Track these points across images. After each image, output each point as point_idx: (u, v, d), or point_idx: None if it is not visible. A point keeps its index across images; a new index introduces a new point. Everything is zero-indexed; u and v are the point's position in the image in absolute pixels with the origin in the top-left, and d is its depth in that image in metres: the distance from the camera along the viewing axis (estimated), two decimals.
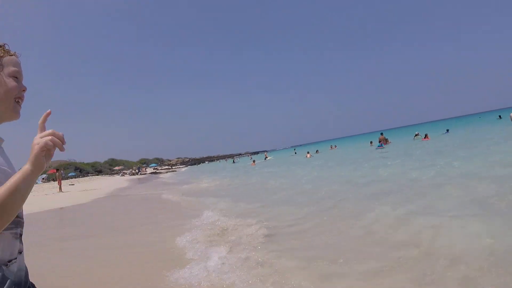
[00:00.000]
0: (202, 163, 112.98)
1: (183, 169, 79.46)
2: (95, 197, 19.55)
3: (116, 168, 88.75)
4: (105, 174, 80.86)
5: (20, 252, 1.36)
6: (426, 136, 30.01)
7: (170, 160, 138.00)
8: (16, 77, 1.46)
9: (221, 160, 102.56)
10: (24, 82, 1.49)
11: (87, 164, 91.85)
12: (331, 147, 48.03)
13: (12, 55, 1.47)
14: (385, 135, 32.19)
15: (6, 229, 1.26)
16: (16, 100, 1.46)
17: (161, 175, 53.73)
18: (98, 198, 18.90)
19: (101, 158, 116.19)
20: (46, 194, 24.75)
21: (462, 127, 42.42)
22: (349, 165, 19.27)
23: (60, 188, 27.19)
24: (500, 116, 42.95)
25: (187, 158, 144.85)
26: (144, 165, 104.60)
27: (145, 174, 66.62)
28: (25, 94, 1.50)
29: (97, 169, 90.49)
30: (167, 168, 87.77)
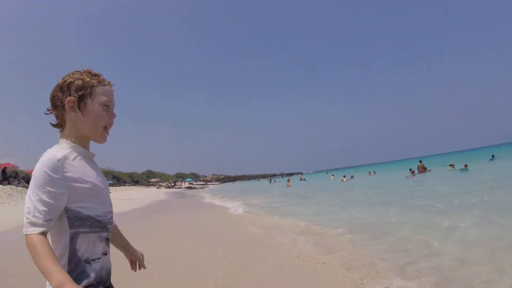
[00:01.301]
0: (236, 181, 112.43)
1: (218, 186, 79.06)
2: (133, 207, 18.80)
3: (153, 180, 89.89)
4: (141, 185, 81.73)
5: (105, 253, 1.56)
6: (465, 166, 26.51)
7: (206, 176, 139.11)
8: (107, 105, 1.61)
9: (261, 180, 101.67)
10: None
11: (125, 173, 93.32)
12: (369, 173, 46.16)
13: (105, 85, 1.62)
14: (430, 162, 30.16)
15: (92, 232, 1.49)
16: (104, 127, 1.62)
17: (196, 190, 53.48)
18: (137, 208, 18.22)
19: (139, 169, 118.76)
20: None
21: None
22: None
23: None
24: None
25: (222, 175, 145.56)
26: (180, 179, 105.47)
27: (180, 188, 66.96)
28: None
29: (134, 179, 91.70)
30: (202, 184, 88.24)
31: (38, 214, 1.33)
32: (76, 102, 1.53)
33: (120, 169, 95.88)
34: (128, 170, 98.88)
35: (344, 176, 37.50)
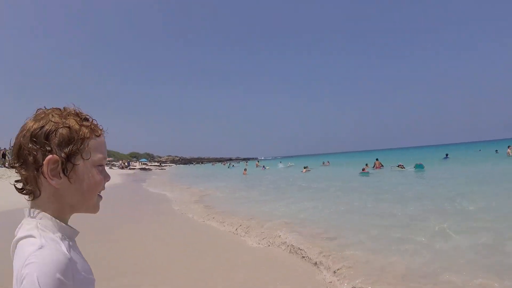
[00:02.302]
0: (191, 163, 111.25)
1: (172, 168, 77.86)
2: None
3: None
4: None
5: None
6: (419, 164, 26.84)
7: (161, 157, 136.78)
8: (102, 165, 1.11)
9: (216, 164, 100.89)
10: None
11: None
12: (323, 163, 46.19)
13: (99, 136, 1.10)
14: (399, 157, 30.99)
15: None
16: (99, 194, 1.14)
17: (152, 172, 52.23)
18: None
19: None
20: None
21: (463, 155, 40.42)
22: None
23: None
24: (496, 151, 39.23)
25: (177, 156, 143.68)
26: (134, 159, 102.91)
27: (134, 168, 65.21)
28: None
29: None
30: (156, 165, 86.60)
31: None
32: (61, 164, 1.00)
33: None
34: None
35: (305, 167, 36.44)
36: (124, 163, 70.39)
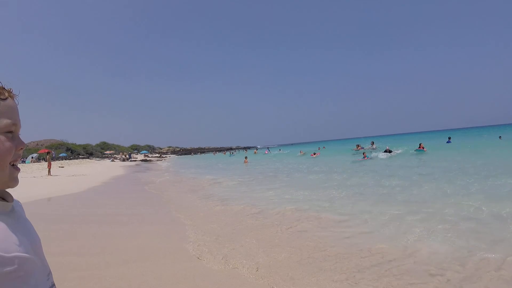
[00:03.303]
0: (194, 154, 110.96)
1: (173, 159, 77.55)
2: (89, 186, 17.30)
3: (107, 152, 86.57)
4: (95, 157, 78.59)
5: None
6: (421, 145, 28.02)
7: (161, 148, 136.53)
8: (12, 132, 1.02)
9: (217, 153, 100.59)
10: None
11: (79, 145, 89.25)
12: (319, 148, 48.25)
13: (5, 98, 1.00)
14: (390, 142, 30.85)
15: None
16: (12, 164, 1.03)
17: (153, 163, 51.93)
18: (94, 187, 16.58)
19: (93, 140, 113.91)
20: (34, 177, 22.45)
21: (466, 140, 39.97)
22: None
23: (49, 171, 24.81)
24: (500, 137, 37.99)
25: (178, 147, 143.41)
26: (135, 151, 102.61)
27: (135, 160, 64.93)
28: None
29: (89, 152, 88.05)
30: (157, 156, 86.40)
31: None
32: None
33: (74, 140, 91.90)
34: (82, 141, 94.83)
35: (314, 153, 39.38)
36: (125, 156, 70.08)
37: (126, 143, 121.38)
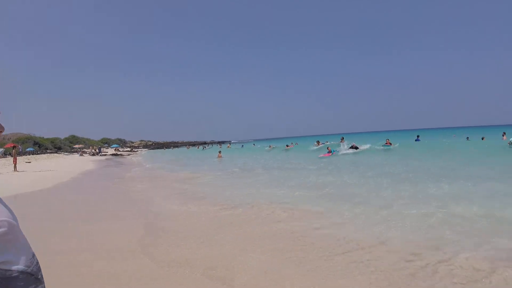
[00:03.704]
0: (166, 148, 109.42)
1: (145, 153, 76.43)
2: (57, 181, 16.84)
3: (76, 146, 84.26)
4: (64, 152, 76.39)
5: None
6: (387, 141, 28.95)
7: (133, 142, 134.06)
8: None
9: (190, 147, 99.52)
10: None
11: (47, 139, 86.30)
12: (287, 146, 47.41)
13: None
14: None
15: None
16: None
17: (124, 158, 51.01)
18: (61, 183, 16.17)
19: (62, 134, 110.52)
20: None
21: (435, 140, 40.65)
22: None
23: (15, 167, 23.95)
24: (468, 138, 37.29)
25: (150, 141, 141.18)
26: (106, 145, 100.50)
27: (105, 154, 63.54)
28: None
29: (57, 146, 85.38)
30: (128, 151, 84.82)
31: None
32: None
33: (42, 134, 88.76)
34: (51, 135, 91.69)
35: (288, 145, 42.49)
36: (95, 150, 68.41)
37: (96, 137, 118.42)
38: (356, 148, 27.88)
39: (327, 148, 28.05)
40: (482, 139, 32.44)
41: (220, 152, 38.64)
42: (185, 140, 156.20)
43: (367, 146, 29.04)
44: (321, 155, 26.36)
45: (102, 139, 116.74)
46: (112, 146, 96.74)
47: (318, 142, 38.03)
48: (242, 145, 71.93)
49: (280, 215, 7.99)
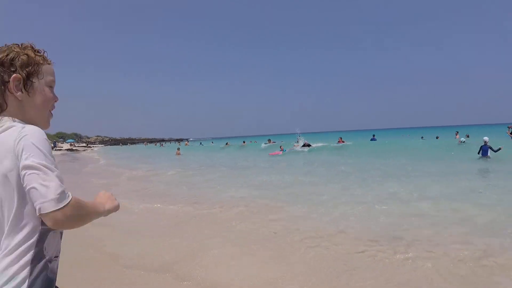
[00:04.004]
0: (122, 144, 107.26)
1: (102, 149, 74.73)
2: None
3: None
4: None
5: (60, 251, 1.38)
6: (340, 139, 30.18)
7: (89, 138, 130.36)
8: (52, 86, 1.46)
9: (148, 144, 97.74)
10: None
11: None
12: (244, 143, 47.14)
13: (50, 64, 1.46)
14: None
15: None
16: (50, 110, 1.48)
17: (80, 153, 49.93)
18: None
19: None
20: None
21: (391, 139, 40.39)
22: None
23: None
24: (422, 137, 38.18)
25: (107, 137, 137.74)
26: (61, 139, 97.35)
27: (60, 149, 61.78)
28: None
29: None
30: (83, 146, 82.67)
31: (62, 184, 1.19)
32: (22, 81, 1.34)
33: None
34: None
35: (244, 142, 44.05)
36: (50, 144, 65.84)
37: (51, 130, 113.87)
38: (309, 145, 28.44)
39: (280, 146, 28.71)
40: (437, 138, 33.50)
41: (178, 149, 38.34)
42: (143, 137, 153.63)
43: (320, 144, 29.66)
44: (272, 153, 26.88)
45: (58, 133, 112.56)
46: (67, 140, 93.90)
47: (269, 140, 39.48)
48: (201, 143, 70.92)
49: (240, 210, 8.16)
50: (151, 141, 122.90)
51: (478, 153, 16.57)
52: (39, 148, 1.20)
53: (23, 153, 1.18)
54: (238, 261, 4.88)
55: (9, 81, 1.32)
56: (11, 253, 1.20)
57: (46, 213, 1.13)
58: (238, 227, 6.80)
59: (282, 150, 27.35)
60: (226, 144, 46.84)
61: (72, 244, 4.84)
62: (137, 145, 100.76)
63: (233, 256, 5.06)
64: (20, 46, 1.38)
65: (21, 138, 1.21)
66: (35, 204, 1.14)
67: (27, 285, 1.19)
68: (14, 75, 1.32)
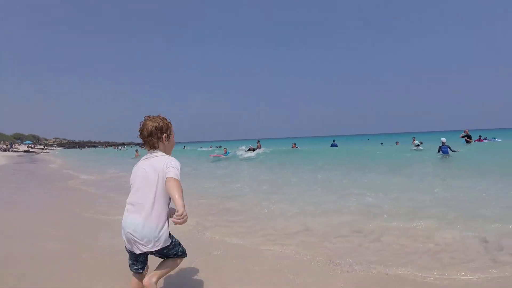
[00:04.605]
0: (81, 147, 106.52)
1: (60, 152, 74.08)
2: None
3: None
4: None
5: None
6: (294, 145, 30.01)
7: (47, 140, 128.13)
8: (173, 135, 3.00)
9: (107, 147, 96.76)
10: None
11: None
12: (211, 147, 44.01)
13: (171, 125, 3.00)
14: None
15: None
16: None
17: (38, 155, 49.29)
18: None
19: None
20: None
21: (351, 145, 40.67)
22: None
23: None
24: (382, 144, 38.94)
25: (66, 139, 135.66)
26: (18, 141, 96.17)
27: (17, 151, 61.58)
28: None
29: None
30: (41, 148, 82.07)
31: (179, 174, 2.64)
32: (166, 136, 2.87)
33: None
34: None
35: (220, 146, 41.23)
36: (6, 145, 65.11)
37: (8, 131, 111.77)
38: (253, 149, 28.24)
39: (224, 149, 29.51)
40: (396, 143, 33.86)
41: (137, 151, 39.06)
42: (103, 140, 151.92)
43: (268, 150, 28.53)
44: (212, 155, 27.94)
45: (15, 134, 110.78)
46: (24, 142, 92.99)
47: (211, 146, 42.08)
48: None
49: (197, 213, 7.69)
50: (111, 144, 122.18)
51: (438, 152, 18.04)
52: (175, 162, 2.74)
53: (168, 165, 2.70)
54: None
55: (161, 137, 2.84)
56: (159, 211, 2.73)
57: (170, 177, 2.62)
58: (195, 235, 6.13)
59: (225, 152, 28.10)
60: (183, 147, 47.89)
61: None
62: (96, 148, 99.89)
63: None
64: (160, 117, 2.88)
65: (171, 163, 2.71)
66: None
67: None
68: (165, 134, 2.86)
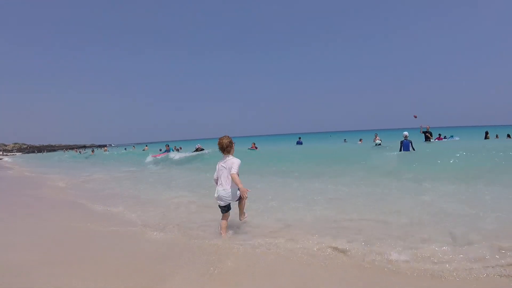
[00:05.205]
0: (39, 152, 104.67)
1: (18, 156, 72.36)
2: None
3: None
4: None
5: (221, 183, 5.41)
6: (253, 145, 27.50)
7: (6, 145, 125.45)
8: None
9: (68, 151, 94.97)
10: None
11: None
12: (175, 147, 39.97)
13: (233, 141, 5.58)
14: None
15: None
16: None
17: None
18: None
19: None
20: None
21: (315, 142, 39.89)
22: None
23: None
24: (345, 140, 39.78)
25: (25, 144, 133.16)
26: None
27: None
28: None
29: None
30: None
31: (238, 169, 5.14)
32: (233, 146, 5.41)
33: None
34: None
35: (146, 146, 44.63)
36: None
37: None
38: (202, 149, 26.16)
39: (166, 146, 28.99)
40: (360, 140, 33.42)
41: (93, 150, 43.97)
42: (63, 143, 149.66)
43: (207, 151, 25.40)
44: (154, 155, 26.64)
45: None
46: None
47: (146, 146, 42.46)
48: (125, 148, 63.02)
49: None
50: (71, 147, 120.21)
51: (400, 150, 16.03)
52: (237, 161, 5.29)
53: (233, 165, 5.22)
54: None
55: (232, 147, 5.41)
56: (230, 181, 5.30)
57: (232, 173, 5.15)
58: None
59: (168, 150, 27.54)
60: (133, 148, 51.72)
61: None
62: (56, 152, 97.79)
63: None
64: (228, 136, 5.40)
65: (233, 162, 5.26)
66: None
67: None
68: (233, 144, 5.46)
